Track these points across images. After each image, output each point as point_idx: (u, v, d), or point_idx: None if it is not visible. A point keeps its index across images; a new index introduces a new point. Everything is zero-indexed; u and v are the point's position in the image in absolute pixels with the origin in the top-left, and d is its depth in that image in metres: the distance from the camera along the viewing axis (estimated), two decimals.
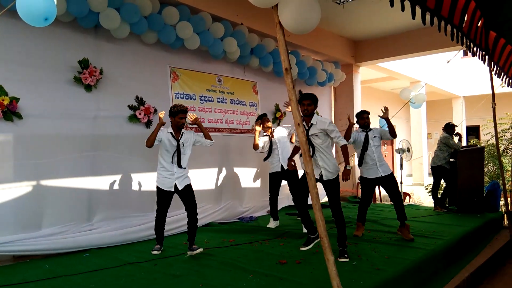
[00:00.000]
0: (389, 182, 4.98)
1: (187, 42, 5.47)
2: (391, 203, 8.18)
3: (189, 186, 4.39)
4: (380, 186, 8.72)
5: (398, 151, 8.41)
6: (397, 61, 10.16)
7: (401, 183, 8.20)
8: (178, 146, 4.29)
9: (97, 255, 4.27)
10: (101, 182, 4.88)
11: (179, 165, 4.31)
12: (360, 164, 5.06)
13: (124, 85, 5.16)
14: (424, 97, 8.34)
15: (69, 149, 4.64)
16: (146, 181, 5.36)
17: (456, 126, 7.26)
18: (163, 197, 4.36)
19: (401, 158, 8.44)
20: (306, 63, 7.60)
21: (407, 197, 8.37)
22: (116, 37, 4.87)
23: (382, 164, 4.95)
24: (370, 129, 5.11)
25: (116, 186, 5.06)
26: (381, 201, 8.63)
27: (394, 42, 8.73)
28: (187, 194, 4.35)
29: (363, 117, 5.17)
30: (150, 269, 3.79)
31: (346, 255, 3.96)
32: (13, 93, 4.17)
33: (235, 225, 6.00)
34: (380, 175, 4.92)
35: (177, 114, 4.25)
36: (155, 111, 5.43)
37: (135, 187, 5.26)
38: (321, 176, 4.08)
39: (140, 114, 5.23)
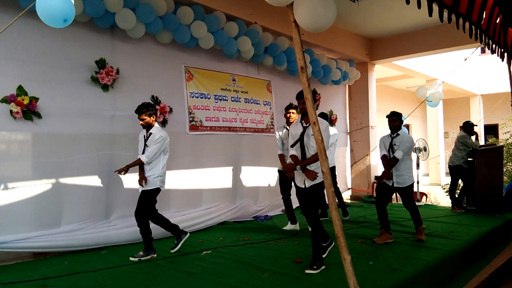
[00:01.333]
0: (403, 194, 4.84)
1: (201, 42, 5.50)
2: None
3: (143, 192, 4.21)
4: None
5: (415, 150, 8.30)
6: (413, 59, 10.02)
7: (418, 182, 8.11)
8: (144, 145, 4.23)
9: (115, 252, 4.33)
10: (118, 180, 4.94)
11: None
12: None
13: (140, 85, 5.22)
14: (441, 95, 8.22)
15: (87, 148, 4.71)
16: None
17: (476, 125, 7.12)
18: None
19: (418, 157, 8.34)
20: (320, 61, 7.56)
21: (424, 197, 8.26)
22: (131, 37, 4.93)
23: (400, 175, 4.73)
24: (398, 134, 4.80)
25: (132, 184, 5.11)
26: (397, 201, 8.54)
27: (410, 39, 8.61)
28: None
29: (390, 120, 4.94)
30: (166, 267, 3.82)
31: (314, 267, 3.53)
32: (32, 93, 4.25)
33: (250, 223, 6.01)
34: (393, 185, 4.76)
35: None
36: (171, 110, 5.48)
37: None
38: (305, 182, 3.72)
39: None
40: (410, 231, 5.19)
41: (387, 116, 4.93)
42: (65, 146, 4.53)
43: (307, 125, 3.77)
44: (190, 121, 5.79)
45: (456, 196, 7.08)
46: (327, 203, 2.87)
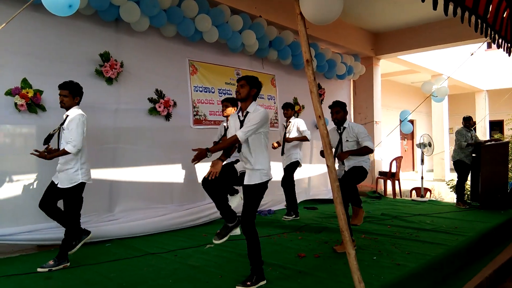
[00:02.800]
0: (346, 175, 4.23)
1: (206, 35, 5.47)
2: (411, 198, 8.09)
3: (64, 190, 3.65)
4: (397, 182, 8.61)
5: (419, 145, 8.27)
6: (418, 53, 9.95)
7: (422, 178, 8.08)
8: (59, 130, 3.73)
9: (119, 245, 4.35)
10: (122, 174, 4.95)
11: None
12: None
13: (144, 78, 5.21)
14: (446, 91, 8.16)
15: (91, 141, 4.68)
16: (166, 173, 5.43)
17: (469, 117, 7.01)
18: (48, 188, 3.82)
19: (422, 153, 8.30)
20: (325, 55, 7.52)
21: (428, 193, 8.23)
22: (136, 30, 4.91)
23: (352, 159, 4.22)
24: (345, 128, 4.32)
25: (136, 178, 5.13)
26: (401, 197, 8.52)
27: (415, 34, 8.54)
28: (61, 196, 3.70)
29: (332, 111, 4.34)
30: (170, 260, 3.83)
31: (248, 283, 3.05)
32: (37, 86, 4.25)
33: (258, 218, 6.00)
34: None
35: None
36: (175, 104, 5.47)
37: (155, 178, 5.32)
38: (241, 174, 3.33)
39: (160, 107, 5.28)
40: (414, 227, 5.18)
41: (329, 107, 4.34)
42: None
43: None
44: (194, 115, 5.78)
45: (465, 191, 7.05)
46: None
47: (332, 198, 2.61)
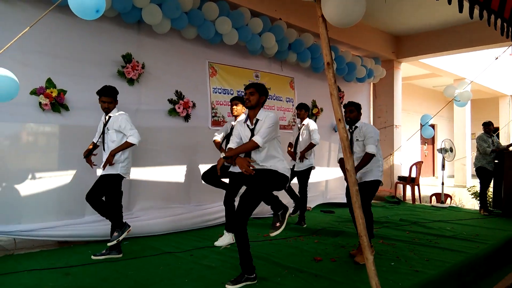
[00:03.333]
0: (364, 190, 3.97)
1: (225, 38, 5.51)
2: (431, 204, 7.94)
3: (102, 177, 3.91)
4: (417, 187, 8.47)
5: (441, 150, 8.12)
6: (440, 57, 9.77)
7: (442, 184, 7.92)
8: (103, 130, 4.01)
9: (136, 244, 4.41)
10: (141, 173, 5.02)
11: (104, 150, 4.05)
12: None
13: (164, 80, 5.28)
14: (469, 95, 7.98)
15: None
16: (184, 173, 5.48)
17: (490, 123, 6.85)
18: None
19: (443, 158, 8.14)
20: (345, 58, 7.46)
21: (448, 199, 8.07)
22: (157, 32, 4.98)
23: (368, 171, 4.08)
24: (356, 127, 4.21)
25: (155, 177, 5.19)
26: (420, 202, 8.37)
27: (438, 37, 8.39)
28: (103, 185, 3.91)
29: (346, 110, 4.22)
30: (187, 259, 3.86)
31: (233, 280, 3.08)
32: (60, 86, 4.36)
33: (270, 220, 5.97)
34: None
35: (99, 96, 3.97)
36: (194, 105, 5.52)
37: (173, 178, 5.38)
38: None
39: (179, 108, 5.33)
40: (433, 233, 5.09)
41: (344, 106, 4.19)
42: (91, 138, 4.61)
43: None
44: (213, 117, 5.82)
45: (488, 199, 6.89)
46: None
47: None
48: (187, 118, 5.46)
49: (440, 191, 7.94)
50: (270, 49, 6.09)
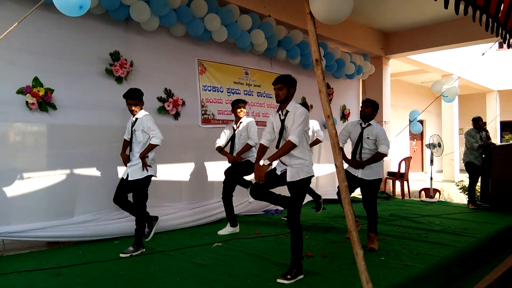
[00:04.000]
0: (367, 188, 4.29)
1: (215, 35, 5.49)
2: (420, 199, 8.04)
3: (134, 182, 4.04)
4: (406, 182, 8.55)
5: (429, 146, 8.21)
6: (428, 53, 9.87)
7: (431, 179, 8.01)
8: (131, 132, 4.15)
9: (127, 243, 4.36)
10: None
11: (130, 150, 4.18)
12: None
13: (153, 77, 5.25)
14: (457, 91, 8.08)
15: (101, 139, 4.76)
16: (174, 172, 5.45)
17: (479, 118, 6.97)
18: (119, 184, 4.19)
19: (432, 154, 8.24)
20: (334, 55, 7.49)
21: (437, 194, 8.17)
22: (146, 29, 4.94)
23: (369, 167, 4.26)
24: (370, 124, 4.34)
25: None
26: (409, 197, 8.46)
27: (425, 33, 8.47)
28: (131, 189, 4.09)
29: (363, 105, 4.46)
30: (178, 258, 3.86)
31: (288, 276, 3.16)
32: (48, 85, 4.30)
33: (261, 217, 6.01)
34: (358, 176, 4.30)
35: (126, 100, 4.10)
36: (183, 103, 5.50)
37: (163, 177, 5.33)
38: (283, 174, 3.37)
39: (168, 106, 5.31)
40: (423, 228, 5.15)
41: (363, 102, 4.43)
42: (79, 137, 4.59)
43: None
44: (203, 114, 5.80)
45: (476, 193, 6.99)
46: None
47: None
48: (176, 116, 5.44)
49: (429, 186, 8.03)
50: (259, 46, 6.09)
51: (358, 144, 4.36)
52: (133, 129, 4.12)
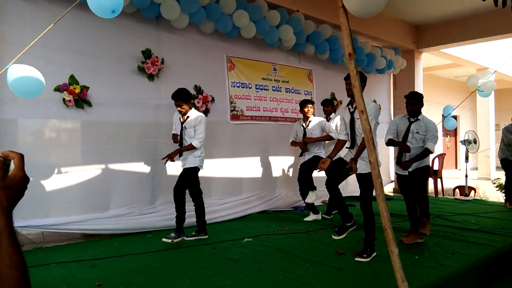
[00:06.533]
0: (416, 179, 4.29)
1: (243, 31, 5.49)
2: (454, 197, 7.80)
3: (186, 170, 4.37)
4: (440, 180, 8.30)
5: (464, 142, 7.94)
6: (463, 47, 9.52)
7: (466, 176, 7.76)
8: (181, 129, 4.38)
9: (160, 237, 4.45)
10: (163, 167, 5.07)
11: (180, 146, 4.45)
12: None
13: (183, 74, 5.31)
14: (493, 85, 7.74)
15: (133, 135, 4.87)
16: (204, 167, 5.48)
17: None
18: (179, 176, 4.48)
19: (467, 150, 7.96)
20: (364, 49, 7.35)
21: (472, 192, 7.90)
22: (176, 27, 5.00)
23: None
24: (418, 119, 4.27)
25: (176, 172, 5.22)
26: (443, 195, 8.22)
27: (460, 26, 8.17)
28: (182, 177, 4.39)
29: (407, 102, 4.30)
30: (209, 252, 3.90)
31: (365, 255, 3.62)
32: (83, 82, 4.44)
33: (290, 213, 6.00)
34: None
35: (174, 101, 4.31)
36: (213, 99, 5.54)
37: None
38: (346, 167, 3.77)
39: (198, 102, 5.36)
40: (458, 226, 5.00)
41: (405, 97, 4.34)
42: (113, 133, 4.71)
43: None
44: (231, 111, 5.83)
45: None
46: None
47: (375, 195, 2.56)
48: (206, 112, 5.49)
49: (464, 184, 7.77)
50: (288, 42, 6.05)
51: (405, 139, 4.25)
52: (183, 125, 4.34)
